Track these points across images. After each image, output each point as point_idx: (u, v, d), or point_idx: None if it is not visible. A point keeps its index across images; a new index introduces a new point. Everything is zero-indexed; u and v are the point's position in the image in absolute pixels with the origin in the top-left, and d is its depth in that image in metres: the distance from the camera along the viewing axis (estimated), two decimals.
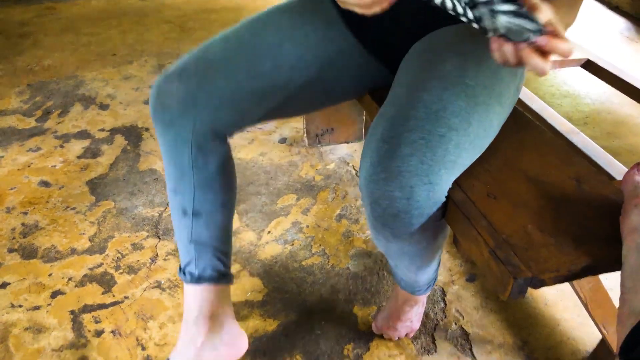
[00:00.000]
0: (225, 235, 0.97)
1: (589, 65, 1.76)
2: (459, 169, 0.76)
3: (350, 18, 0.94)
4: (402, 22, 0.91)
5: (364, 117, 1.79)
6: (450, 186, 0.76)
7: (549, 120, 1.44)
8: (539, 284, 0.64)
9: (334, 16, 0.95)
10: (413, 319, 1.16)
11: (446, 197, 0.75)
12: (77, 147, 1.86)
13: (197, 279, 0.94)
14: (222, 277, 0.97)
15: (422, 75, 0.79)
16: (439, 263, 1.07)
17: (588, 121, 2.07)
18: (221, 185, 0.92)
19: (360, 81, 1.01)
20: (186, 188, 0.90)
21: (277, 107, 0.93)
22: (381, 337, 1.21)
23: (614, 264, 0.66)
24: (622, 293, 0.62)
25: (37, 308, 1.28)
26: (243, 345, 1.05)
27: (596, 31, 2.90)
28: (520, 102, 1.52)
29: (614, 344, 0.99)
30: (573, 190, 0.77)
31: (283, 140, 1.90)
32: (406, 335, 1.19)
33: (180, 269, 0.97)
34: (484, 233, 0.69)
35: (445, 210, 0.76)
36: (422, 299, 1.15)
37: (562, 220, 0.71)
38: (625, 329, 0.57)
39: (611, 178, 1.21)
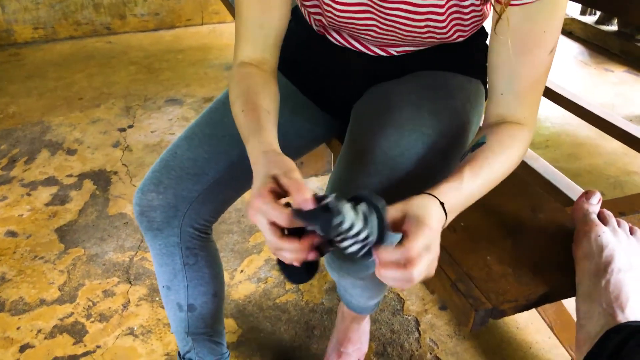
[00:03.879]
0: (218, 319, 1.02)
1: (545, 91, 1.83)
2: None
3: (305, 87, 0.98)
4: (353, 80, 0.95)
5: (331, 151, 1.82)
6: None
7: None
8: (499, 314, 0.66)
9: (290, 87, 0.98)
10: (362, 338, 1.20)
11: None
12: (44, 194, 1.84)
13: None
14: (220, 358, 1.04)
15: (378, 121, 0.82)
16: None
17: (549, 144, 2.14)
18: (212, 276, 0.97)
19: (320, 136, 1.05)
20: (180, 285, 0.94)
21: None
22: None
23: (569, 291, 0.69)
24: (578, 319, 0.65)
25: None
26: None
27: None
28: None
29: None
30: (529, 220, 0.80)
31: None
32: None
33: (179, 355, 1.04)
34: (445, 266, 0.71)
35: None
36: (367, 316, 1.20)
37: (520, 250, 0.74)
38: (582, 353, 0.59)
39: (571, 201, 1.25)
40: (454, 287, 0.68)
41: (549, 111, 2.36)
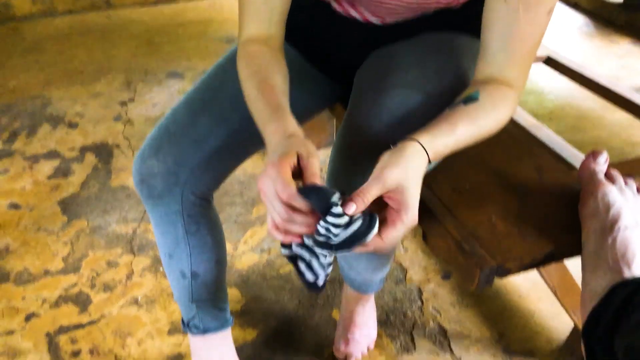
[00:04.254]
0: (221, 285, 1.02)
1: (550, 62, 1.81)
2: None
3: (307, 53, 0.97)
4: (356, 47, 0.93)
5: (334, 122, 1.81)
6: None
7: (514, 116, 1.48)
8: (504, 272, 0.66)
9: (291, 52, 0.96)
10: (368, 323, 1.18)
11: None
12: (46, 167, 1.84)
13: (203, 331, 1.01)
14: (224, 323, 1.04)
15: (383, 82, 0.80)
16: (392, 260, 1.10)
17: (552, 116, 2.12)
18: (214, 244, 0.96)
19: (321, 100, 1.03)
20: (182, 253, 0.93)
21: (255, 148, 0.95)
22: None
23: (574, 250, 0.68)
24: (583, 277, 0.64)
25: (11, 332, 1.25)
26: None
27: (556, 28, 2.98)
28: None
29: None
30: (535, 181, 0.79)
31: None
32: (368, 348, 1.19)
33: (183, 322, 1.03)
34: (450, 227, 0.71)
35: None
36: (372, 298, 1.18)
37: (525, 210, 0.74)
38: (587, 311, 0.59)
39: (573, 168, 1.24)
40: (459, 247, 0.68)
41: (553, 83, 2.33)
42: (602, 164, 0.74)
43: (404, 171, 0.59)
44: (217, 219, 0.98)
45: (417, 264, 1.43)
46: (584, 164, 0.75)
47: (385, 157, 0.61)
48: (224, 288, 1.03)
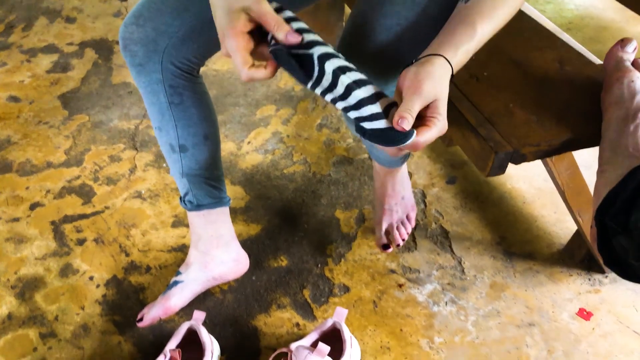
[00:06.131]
0: (214, 163, 1.01)
1: None
2: None
3: None
4: None
5: (343, 23, 1.73)
6: None
7: (534, 18, 1.41)
8: (519, 158, 0.64)
9: None
10: (402, 192, 1.17)
11: None
12: (45, 61, 1.78)
13: (197, 207, 1.01)
14: (219, 201, 1.03)
15: None
16: None
17: (571, 27, 2.03)
18: (200, 118, 0.95)
19: None
20: (169, 125, 0.93)
21: None
22: (363, 237, 1.23)
23: (593, 139, 0.66)
24: (600, 165, 0.63)
25: (16, 220, 1.26)
26: (246, 262, 1.12)
27: None
28: None
29: (588, 231, 1.02)
30: (556, 71, 0.76)
31: None
32: (407, 217, 1.19)
33: (180, 199, 1.04)
34: (465, 112, 0.68)
35: None
36: (402, 168, 1.15)
37: (544, 99, 0.71)
38: (602, 196, 0.57)
39: None
40: (474, 131, 0.66)
41: None
42: (630, 52, 0.70)
43: (438, 83, 0.60)
44: (204, 95, 0.97)
45: (422, 169, 1.42)
46: (611, 51, 0.71)
47: (413, 70, 0.61)
48: (217, 167, 1.02)
